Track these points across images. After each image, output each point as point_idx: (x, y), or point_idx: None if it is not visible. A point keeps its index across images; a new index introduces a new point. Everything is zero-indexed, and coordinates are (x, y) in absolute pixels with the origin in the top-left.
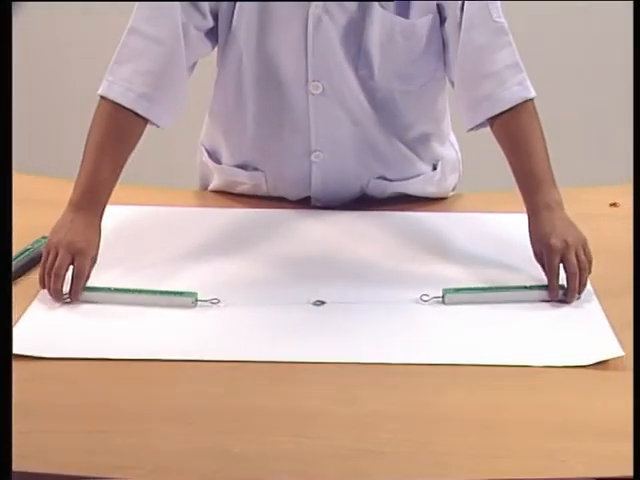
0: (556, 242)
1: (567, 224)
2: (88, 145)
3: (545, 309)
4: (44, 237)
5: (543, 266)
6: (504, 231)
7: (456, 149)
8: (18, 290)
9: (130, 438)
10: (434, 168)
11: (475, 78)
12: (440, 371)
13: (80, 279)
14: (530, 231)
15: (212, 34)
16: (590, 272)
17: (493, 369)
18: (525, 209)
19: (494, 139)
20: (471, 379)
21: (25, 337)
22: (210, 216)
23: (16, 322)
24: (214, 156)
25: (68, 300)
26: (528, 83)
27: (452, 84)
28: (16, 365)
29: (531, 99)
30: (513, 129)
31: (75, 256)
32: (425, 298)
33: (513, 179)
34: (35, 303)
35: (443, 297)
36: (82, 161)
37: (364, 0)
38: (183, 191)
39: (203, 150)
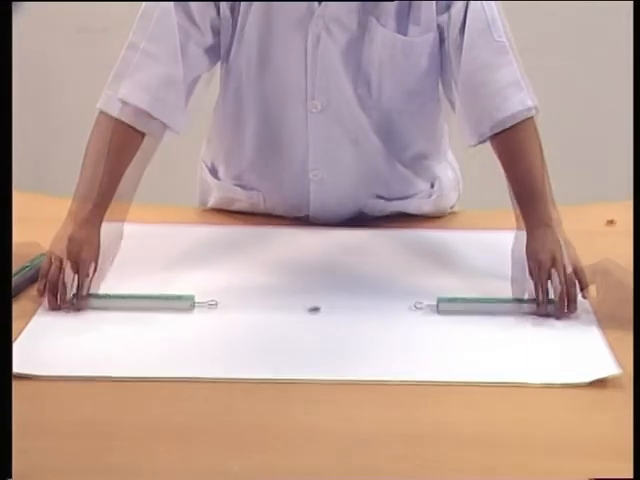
0: (544, 258)
1: (560, 241)
2: (86, 158)
3: (541, 326)
4: (42, 255)
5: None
6: (502, 247)
7: (454, 168)
8: (16, 308)
9: (128, 456)
10: (432, 187)
11: (477, 96)
12: (436, 388)
13: (85, 288)
14: (525, 248)
15: (213, 50)
16: (586, 287)
17: (489, 386)
18: (523, 227)
19: (494, 159)
20: (467, 396)
21: (23, 355)
22: (209, 233)
23: (14, 340)
24: (214, 172)
25: (71, 309)
26: (529, 101)
27: (451, 104)
28: (14, 382)
29: (532, 117)
30: (513, 146)
31: (79, 266)
32: (419, 305)
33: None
34: (33, 320)
35: (437, 305)
36: (81, 173)
37: (363, 0)
38: (182, 208)
39: (203, 166)
